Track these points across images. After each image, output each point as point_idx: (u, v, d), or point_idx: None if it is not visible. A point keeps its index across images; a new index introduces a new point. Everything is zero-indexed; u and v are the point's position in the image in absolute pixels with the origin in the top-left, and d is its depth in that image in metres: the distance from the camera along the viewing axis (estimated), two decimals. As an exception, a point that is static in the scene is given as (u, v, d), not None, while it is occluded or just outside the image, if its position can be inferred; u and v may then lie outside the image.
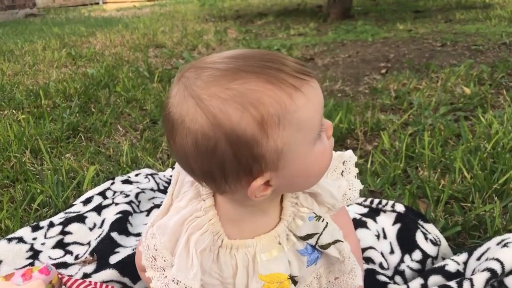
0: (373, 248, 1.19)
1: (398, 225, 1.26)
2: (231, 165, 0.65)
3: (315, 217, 0.82)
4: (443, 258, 1.18)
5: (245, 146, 0.63)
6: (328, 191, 0.84)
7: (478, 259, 1.08)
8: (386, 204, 1.33)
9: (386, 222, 1.28)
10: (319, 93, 0.69)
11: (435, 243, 1.20)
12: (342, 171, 0.91)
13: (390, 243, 1.23)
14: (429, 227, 1.25)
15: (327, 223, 0.82)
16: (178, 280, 0.76)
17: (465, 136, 1.90)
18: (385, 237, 1.24)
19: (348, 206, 1.33)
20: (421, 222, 1.26)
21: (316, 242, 0.81)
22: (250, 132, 0.63)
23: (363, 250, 1.19)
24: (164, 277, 0.79)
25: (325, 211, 0.85)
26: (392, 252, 1.20)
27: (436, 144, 1.85)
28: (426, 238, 1.21)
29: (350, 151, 0.93)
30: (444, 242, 1.22)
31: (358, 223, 1.27)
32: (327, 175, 0.89)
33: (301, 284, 0.85)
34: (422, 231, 1.23)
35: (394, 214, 1.29)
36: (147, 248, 0.82)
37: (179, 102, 0.66)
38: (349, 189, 0.90)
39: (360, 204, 1.37)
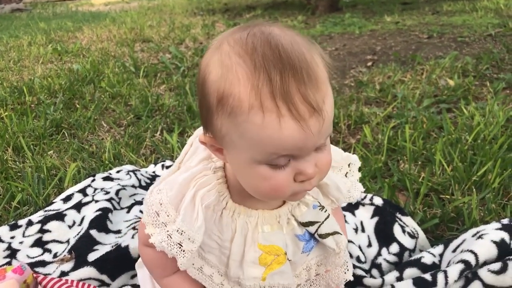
0: (351, 241, 1.19)
1: (376, 218, 1.27)
2: (199, 104, 0.73)
3: (319, 206, 0.84)
4: (421, 251, 1.19)
5: (206, 102, 0.70)
6: (335, 184, 0.86)
7: (454, 251, 1.09)
8: (365, 197, 1.33)
9: (365, 215, 1.29)
10: (288, 134, 0.64)
11: (412, 235, 1.21)
12: (347, 173, 0.92)
13: (368, 236, 1.23)
14: (407, 220, 1.25)
15: (329, 214, 0.84)
16: (182, 231, 0.77)
17: (447, 128, 1.91)
18: (363, 230, 1.25)
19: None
20: (399, 215, 1.26)
21: (316, 231, 0.83)
22: (211, 98, 0.68)
23: (342, 243, 1.19)
24: (166, 230, 0.79)
25: (328, 203, 0.88)
26: (369, 245, 1.21)
27: (418, 137, 1.85)
28: (403, 231, 1.22)
29: (355, 156, 0.94)
30: (421, 235, 1.23)
31: (337, 217, 1.27)
32: (332, 172, 0.90)
33: (291, 273, 0.85)
34: (399, 224, 1.24)
35: (373, 207, 1.30)
36: (150, 204, 0.82)
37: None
38: (352, 188, 0.91)
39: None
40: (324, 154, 0.72)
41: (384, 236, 1.22)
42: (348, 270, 0.91)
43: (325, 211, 0.84)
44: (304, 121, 0.63)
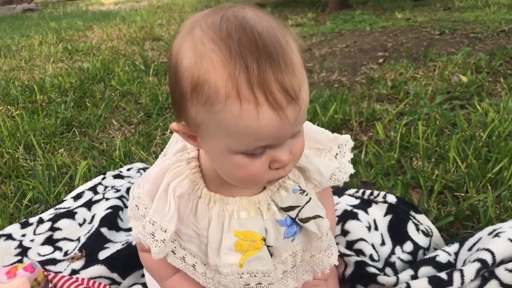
0: (364, 240, 1.17)
1: (389, 216, 1.25)
2: (171, 91, 0.72)
3: (299, 190, 0.83)
4: (435, 249, 1.16)
5: (179, 89, 0.68)
6: (316, 168, 0.86)
7: (470, 249, 1.07)
8: (378, 195, 1.31)
9: (378, 213, 1.26)
10: (265, 124, 0.63)
11: (426, 234, 1.19)
12: (337, 154, 0.91)
13: (381, 234, 1.21)
14: (421, 217, 1.23)
15: (310, 198, 0.83)
16: (154, 221, 0.79)
17: (460, 125, 1.88)
18: (376, 228, 1.23)
19: (339, 196, 1.33)
20: (412, 213, 1.24)
21: (297, 215, 0.82)
22: (184, 85, 0.67)
23: (354, 242, 1.17)
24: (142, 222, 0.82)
25: (311, 187, 0.87)
26: (383, 243, 1.19)
27: (431, 134, 1.83)
28: (417, 229, 1.20)
29: (347, 136, 0.93)
30: (436, 233, 1.21)
31: (349, 215, 1.25)
32: (320, 154, 0.90)
33: (276, 259, 0.85)
34: (413, 222, 1.22)
35: (386, 205, 1.28)
36: (132, 198, 0.85)
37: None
38: (339, 170, 0.90)
39: (351, 195, 1.35)
40: (298, 140, 0.73)
41: (398, 234, 1.19)
42: (332, 254, 0.90)
43: (306, 195, 0.83)
44: (282, 110, 0.63)
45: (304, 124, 0.74)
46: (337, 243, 1.16)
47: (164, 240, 0.78)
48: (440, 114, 2.05)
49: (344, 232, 1.21)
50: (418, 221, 1.22)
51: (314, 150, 0.90)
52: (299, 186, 0.83)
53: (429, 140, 1.78)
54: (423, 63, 3.05)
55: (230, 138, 0.67)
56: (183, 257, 0.85)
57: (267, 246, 0.82)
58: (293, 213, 0.82)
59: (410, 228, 1.20)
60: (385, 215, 1.26)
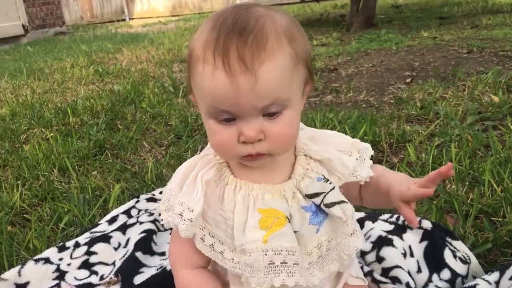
0: (400, 267, 1.15)
1: (425, 243, 1.23)
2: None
3: (323, 178, 0.87)
4: (474, 277, 1.14)
5: (188, 65, 0.82)
6: (339, 159, 0.89)
7: (511, 278, 1.04)
8: (413, 220, 1.29)
9: (413, 239, 1.25)
10: (217, 85, 0.73)
11: (464, 261, 1.17)
12: (356, 159, 0.93)
13: (417, 261, 1.19)
14: (458, 244, 1.21)
15: (334, 186, 0.87)
16: (182, 202, 0.85)
17: (494, 146, 1.85)
18: (412, 255, 1.21)
19: (373, 221, 1.31)
20: (449, 239, 1.22)
21: (322, 201, 0.85)
22: (187, 57, 0.81)
23: (390, 269, 1.16)
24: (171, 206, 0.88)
25: (335, 180, 0.89)
26: (419, 271, 1.17)
27: (464, 156, 1.80)
28: (455, 256, 1.18)
29: (367, 145, 0.96)
30: (474, 260, 1.18)
31: (384, 241, 1.24)
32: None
33: (302, 249, 0.86)
34: (450, 249, 1.19)
35: (421, 231, 1.26)
36: (164, 192, 0.92)
37: None
38: (359, 168, 0.92)
39: (385, 220, 1.34)
40: (275, 124, 0.78)
41: (435, 261, 1.17)
42: (358, 238, 0.93)
43: (329, 183, 0.87)
44: (234, 76, 0.71)
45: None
46: (372, 270, 1.15)
47: (191, 219, 0.84)
48: (472, 136, 2.02)
49: (379, 259, 1.19)
50: (455, 247, 1.20)
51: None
52: (322, 175, 0.88)
53: (462, 163, 1.76)
54: (452, 83, 3.02)
55: (201, 99, 0.80)
56: (212, 244, 0.88)
57: (294, 231, 0.85)
58: (317, 200, 0.86)
59: (447, 255, 1.18)
60: (421, 241, 1.24)
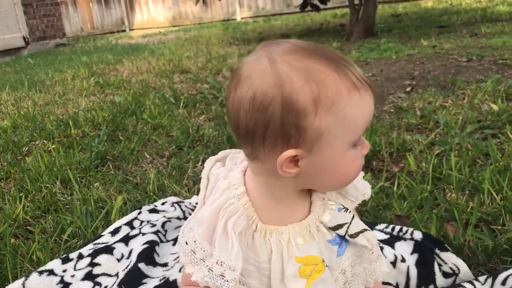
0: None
1: (416, 255, 1.24)
2: (274, 127, 0.72)
3: (343, 208, 0.86)
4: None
5: (294, 113, 0.71)
6: (352, 183, 0.88)
7: (503, 283, 1.05)
8: (406, 231, 1.31)
9: (405, 250, 1.26)
10: (371, 105, 0.76)
11: (450, 274, 1.18)
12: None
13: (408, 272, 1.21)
14: (446, 256, 1.21)
15: (353, 215, 0.87)
16: (221, 262, 0.79)
17: (494, 155, 1.86)
18: (403, 260, 1.22)
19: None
20: (437, 251, 1.23)
21: (346, 232, 0.85)
22: (303, 103, 0.70)
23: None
24: (205, 265, 0.81)
25: (348, 204, 0.90)
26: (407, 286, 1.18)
27: (464, 165, 1.81)
28: (440, 270, 1.19)
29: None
30: (464, 270, 1.18)
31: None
32: None
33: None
34: (437, 262, 1.21)
35: (413, 242, 1.28)
36: (185, 244, 0.85)
37: (253, 61, 0.75)
38: (362, 186, 0.94)
39: (381, 230, 1.35)
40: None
41: (425, 275, 1.19)
42: (383, 263, 0.93)
43: (349, 212, 0.87)
44: (370, 92, 0.76)
45: None
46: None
47: (235, 278, 0.79)
48: (472, 144, 2.03)
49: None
50: (442, 260, 1.21)
51: None
52: (341, 205, 0.87)
53: (462, 171, 1.77)
54: (452, 91, 3.04)
55: (351, 131, 0.75)
56: None
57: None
58: (342, 231, 0.85)
59: (437, 269, 1.19)
60: (412, 253, 1.25)
